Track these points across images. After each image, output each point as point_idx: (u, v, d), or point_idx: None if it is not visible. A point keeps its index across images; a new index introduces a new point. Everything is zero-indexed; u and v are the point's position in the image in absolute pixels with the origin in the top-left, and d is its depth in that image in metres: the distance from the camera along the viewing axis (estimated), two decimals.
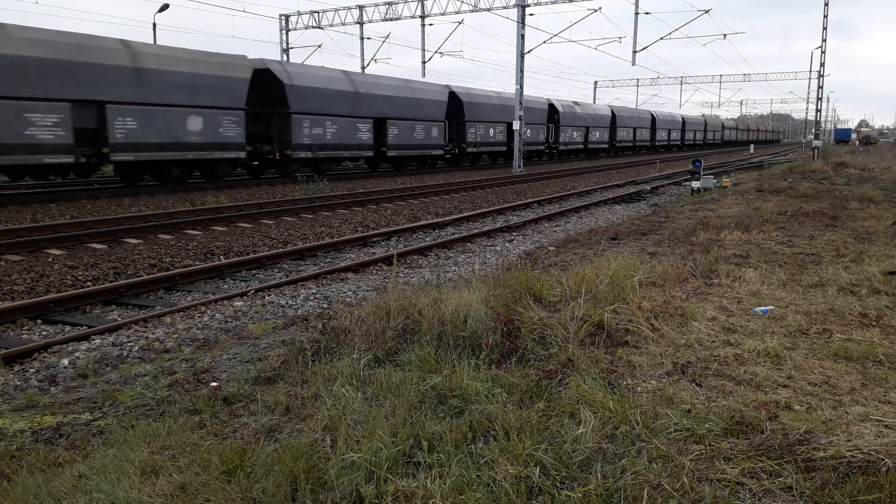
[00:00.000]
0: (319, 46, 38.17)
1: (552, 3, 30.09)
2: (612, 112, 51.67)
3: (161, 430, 3.38)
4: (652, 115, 59.82)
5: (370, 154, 27.39)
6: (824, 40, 35.45)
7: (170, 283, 8.31)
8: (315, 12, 36.64)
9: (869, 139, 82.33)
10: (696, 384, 3.77)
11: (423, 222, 13.75)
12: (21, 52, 15.24)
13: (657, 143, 60.56)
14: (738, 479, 2.73)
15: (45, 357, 5.59)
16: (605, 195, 20.16)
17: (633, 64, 35.07)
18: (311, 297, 7.61)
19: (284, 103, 22.65)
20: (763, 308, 5.31)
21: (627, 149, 55.18)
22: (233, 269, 9.17)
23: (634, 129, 55.46)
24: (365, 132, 26.50)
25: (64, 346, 5.85)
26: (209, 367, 4.73)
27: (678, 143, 66.95)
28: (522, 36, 29.68)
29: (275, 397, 3.75)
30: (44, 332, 6.52)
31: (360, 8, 35.42)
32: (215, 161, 20.51)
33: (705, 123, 75.30)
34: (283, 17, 38.17)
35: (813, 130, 47.38)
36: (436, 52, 37.13)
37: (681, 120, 67.41)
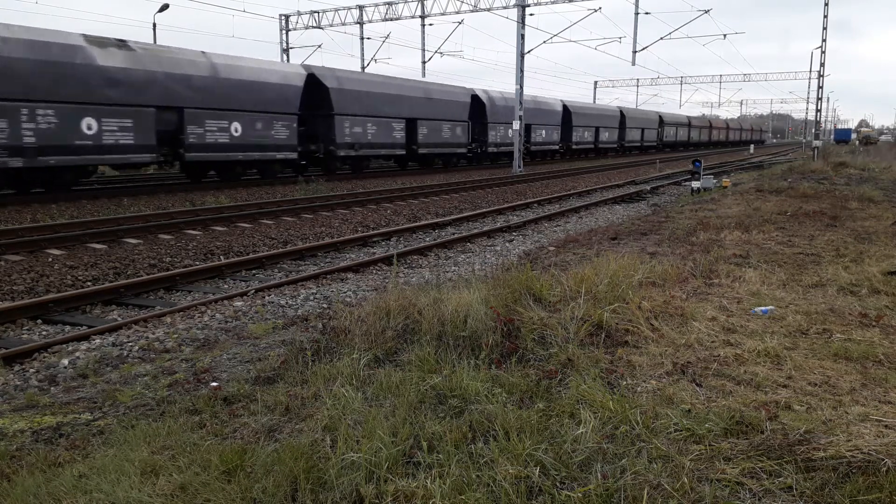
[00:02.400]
0: (319, 46, 38.20)
1: (552, 3, 30.11)
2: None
3: (161, 430, 3.38)
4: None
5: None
6: (824, 40, 35.45)
7: (170, 283, 8.31)
8: (315, 12, 36.65)
9: (869, 139, 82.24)
10: (696, 384, 3.77)
11: (422, 222, 13.75)
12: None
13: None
14: (738, 479, 2.73)
15: (45, 357, 5.59)
16: (605, 195, 20.16)
17: (633, 64, 35.10)
18: (311, 297, 7.61)
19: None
20: (763, 308, 5.31)
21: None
22: (233, 269, 9.17)
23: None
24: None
25: (64, 346, 5.85)
26: (209, 367, 4.73)
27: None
28: (522, 36, 29.68)
29: (275, 397, 3.75)
30: (44, 332, 6.52)
31: (360, 8, 35.42)
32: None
33: (689, 121, 71.45)
34: (283, 17, 38.16)
35: (813, 130, 47.38)
36: (436, 52, 37.17)
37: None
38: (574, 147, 46.08)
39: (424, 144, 30.25)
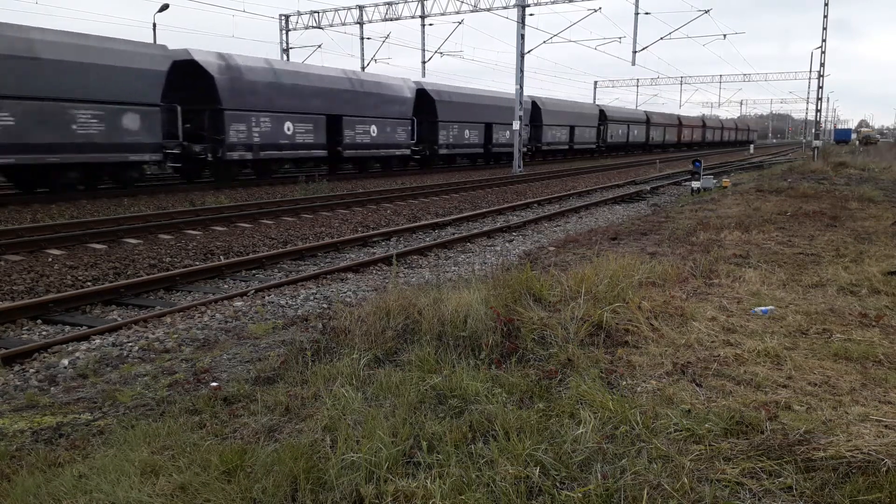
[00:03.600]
0: (319, 46, 38.24)
1: (552, 3, 30.10)
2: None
3: (161, 430, 3.38)
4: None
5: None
6: (824, 40, 35.46)
7: (170, 283, 8.31)
8: (315, 12, 36.66)
9: (869, 139, 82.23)
10: (696, 384, 3.77)
11: (422, 222, 13.75)
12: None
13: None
14: (738, 479, 2.73)
15: (45, 357, 5.59)
16: (605, 195, 20.16)
17: (633, 64, 35.09)
18: (311, 297, 7.61)
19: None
20: (763, 308, 5.31)
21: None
22: (233, 269, 9.17)
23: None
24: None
25: (64, 346, 5.85)
26: (209, 367, 4.73)
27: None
28: (522, 36, 29.68)
29: (275, 397, 3.75)
30: (44, 332, 6.52)
31: (360, 8, 35.42)
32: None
33: (647, 118, 60.12)
34: (283, 17, 38.17)
35: (813, 130, 47.39)
36: (436, 52, 37.18)
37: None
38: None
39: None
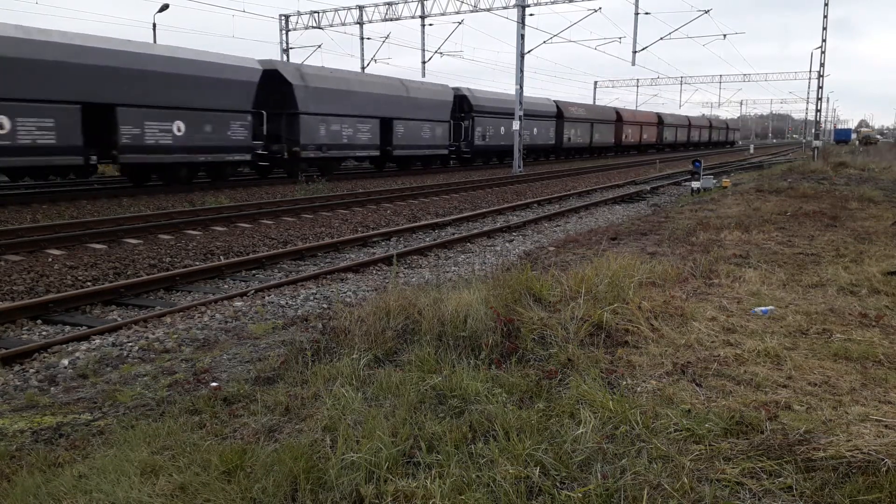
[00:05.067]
0: (319, 46, 38.26)
1: (552, 3, 30.12)
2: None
3: (161, 430, 3.38)
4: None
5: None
6: (824, 40, 35.44)
7: (170, 283, 8.31)
8: (315, 12, 36.66)
9: (869, 139, 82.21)
10: (696, 384, 3.77)
11: (422, 222, 13.75)
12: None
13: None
14: (738, 479, 2.73)
15: (45, 357, 5.59)
16: (605, 195, 20.15)
17: (633, 64, 35.11)
18: (311, 297, 7.61)
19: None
20: (763, 308, 5.31)
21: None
22: (233, 269, 9.17)
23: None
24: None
25: (64, 346, 5.85)
26: (209, 367, 4.73)
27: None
28: (522, 36, 29.68)
29: (275, 397, 3.75)
30: (44, 332, 6.51)
31: (360, 8, 35.42)
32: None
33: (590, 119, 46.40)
34: (283, 18, 38.16)
35: (813, 130, 47.37)
36: (436, 52, 37.18)
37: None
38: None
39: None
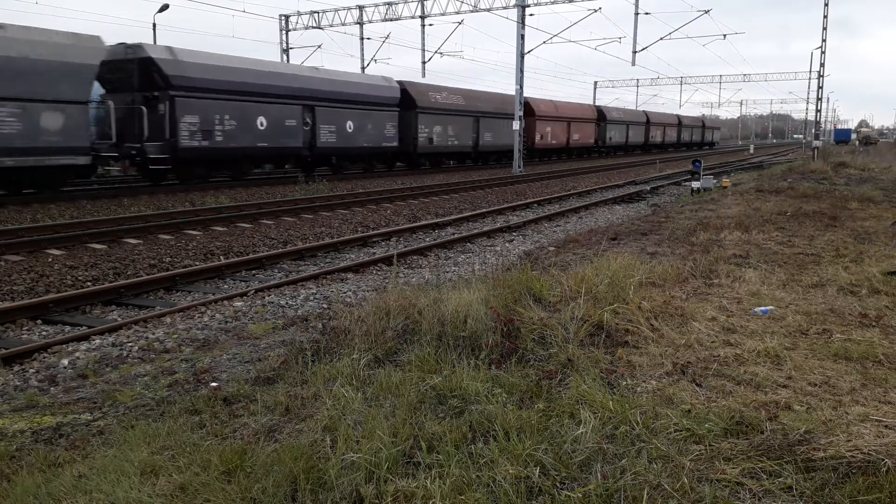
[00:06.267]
0: (319, 47, 38.23)
1: (552, 3, 30.10)
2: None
3: (161, 430, 3.38)
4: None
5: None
6: (824, 40, 35.44)
7: (170, 283, 8.31)
8: (315, 12, 36.64)
9: (869, 139, 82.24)
10: (696, 384, 3.77)
11: (422, 222, 13.75)
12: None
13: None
14: (738, 479, 2.73)
15: (45, 357, 5.59)
16: (605, 195, 20.15)
17: (633, 64, 35.06)
18: (311, 298, 7.61)
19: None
20: (763, 308, 5.30)
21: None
22: (233, 270, 9.17)
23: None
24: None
25: (64, 346, 5.85)
26: (209, 367, 4.73)
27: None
28: (522, 36, 29.68)
29: (275, 397, 3.75)
30: (44, 332, 6.51)
31: (360, 8, 35.41)
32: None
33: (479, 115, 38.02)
34: (282, 18, 38.14)
35: (813, 131, 47.37)
36: (436, 52, 37.14)
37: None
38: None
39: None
